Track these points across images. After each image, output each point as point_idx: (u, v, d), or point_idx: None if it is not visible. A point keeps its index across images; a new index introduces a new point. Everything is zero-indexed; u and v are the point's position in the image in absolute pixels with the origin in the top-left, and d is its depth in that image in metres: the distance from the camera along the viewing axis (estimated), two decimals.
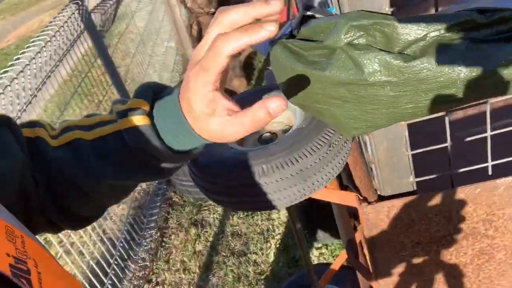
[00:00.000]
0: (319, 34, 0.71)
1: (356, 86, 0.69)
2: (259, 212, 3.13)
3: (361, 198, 0.93)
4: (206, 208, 3.36)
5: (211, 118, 0.57)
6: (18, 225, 0.51)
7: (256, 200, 0.88)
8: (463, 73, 0.64)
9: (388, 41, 0.65)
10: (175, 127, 0.61)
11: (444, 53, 0.64)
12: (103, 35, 3.32)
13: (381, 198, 0.93)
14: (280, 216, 3.07)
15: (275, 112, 0.53)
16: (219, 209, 3.29)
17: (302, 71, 0.74)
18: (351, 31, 0.66)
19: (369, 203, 0.91)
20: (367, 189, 0.95)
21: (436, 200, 0.90)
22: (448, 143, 0.87)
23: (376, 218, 0.92)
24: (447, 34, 0.64)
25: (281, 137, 0.96)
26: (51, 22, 2.57)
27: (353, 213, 1.36)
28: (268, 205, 0.88)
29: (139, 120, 0.60)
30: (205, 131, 0.59)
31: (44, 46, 2.32)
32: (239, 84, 4.14)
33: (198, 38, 4.08)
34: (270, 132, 1.04)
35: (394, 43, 0.65)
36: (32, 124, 0.64)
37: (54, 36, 2.44)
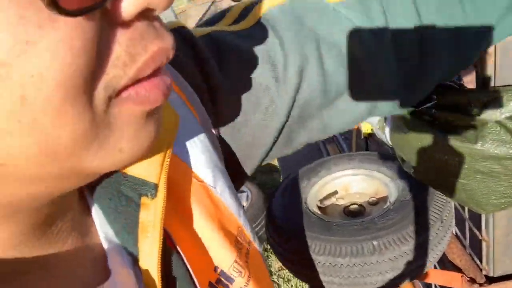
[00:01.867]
0: (466, 106, 0.67)
1: (511, 162, 0.65)
2: None
3: (468, 279, 0.87)
4: None
5: None
6: (249, 227, 0.48)
7: (364, 282, 0.80)
8: None
9: None
10: None
11: None
12: None
13: (489, 280, 0.87)
14: None
15: None
16: None
17: (442, 144, 0.69)
18: None
19: (480, 285, 0.85)
20: (472, 269, 0.89)
21: None
22: None
23: None
24: None
25: (380, 211, 0.90)
26: None
27: None
28: (377, 286, 0.80)
29: None
30: None
31: None
32: None
33: None
34: (356, 204, 0.98)
35: None
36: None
37: None
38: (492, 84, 0.68)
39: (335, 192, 1.03)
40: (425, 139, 0.70)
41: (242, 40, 0.55)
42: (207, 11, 9.00)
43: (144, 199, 0.38)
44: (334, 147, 2.09)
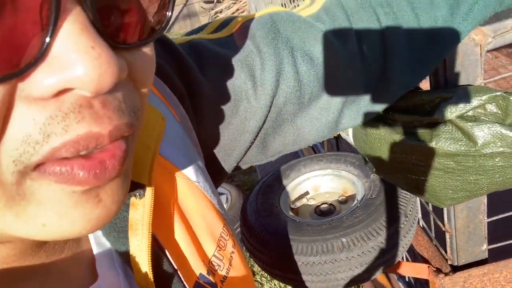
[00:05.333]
0: (421, 107, 0.71)
1: (464, 158, 0.69)
2: None
3: (435, 269, 0.91)
4: None
5: None
6: (228, 221, 0.51)
7: (335, 278, 0.84)
8: None
9: (500, 114, 0.66)
10: None
11: None
12: None
13: (454, 268, 0.91)
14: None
15: None
16: None
17: (400, 143, 0.73)
18: (465, 104, 0.67)
19: (446, 274, 0.89)
20: (437, 259, 0.93)
21: (511, 267, 0.89)
22: None
23: None
24: None
25: (348, 209, 0.94)
26: None
27: None
28: (349, 282, 0.84)
29: None
30: None
31: None
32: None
33: None
34: (326, 203, 1.02)
35: (507, 116, 0.66)
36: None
37: None
38: (443, 85, 0.73)
39: (306, 193, 1.07)
40: (384, 140, 0.74)
41: (221, 47, 0.58)
42: (179, 13, 8.98)
43: (133, 199, 0.40)
44: (309, 149, 2.14)
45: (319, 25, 0.63)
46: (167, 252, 0.43)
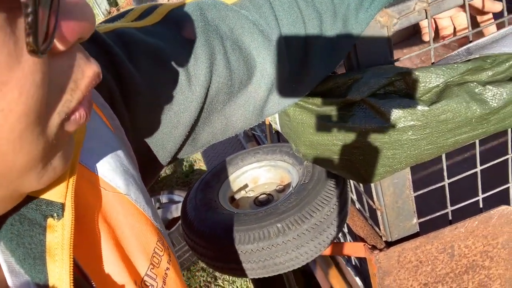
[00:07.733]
0: (337, 90, 0.74)
1: (379, 134, 0.72)
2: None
3: (370, 246, 0.95)
4: None
5: None
6: (164, 231, 0.50)
7: (274, 263, 0.86)
8: (478, 111, 0.70)
9: (408, 89, 0.70)
10: None
11: (460, 96, 0.70)
12: None
13: (388, 244, 0.95)
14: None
15: None
16: None
17: (320, 126, 0.76)
18: (374, 83, 0.70)
19: (380, 250, 0.93)
20: (373, 237, 0.97)
21: (441, 238, 0.93)
22: (446, 181, 0.93)
23: (388, 265, 0.93)
24: (458, 79, 0.71)
25: (284, 196, 0.96)
26: None
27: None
28: (286, 266, 0.86)
29: None
30: None
31: None
32: None
33: None
34: (265, 194, 1.04)
35: (414, 91, 0.70)
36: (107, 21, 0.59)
37: None
38: (356, 68, 0.76)
39: (246, 186, 1.08)
40: (306, 124, 0.76)
41: (148, 36, 0.56)
42: None
43: (50, 221, 0.35)
44: (254, 143, 2.17)
45: (244, 12, 0.63)
46: (91, 279, 0.39)
